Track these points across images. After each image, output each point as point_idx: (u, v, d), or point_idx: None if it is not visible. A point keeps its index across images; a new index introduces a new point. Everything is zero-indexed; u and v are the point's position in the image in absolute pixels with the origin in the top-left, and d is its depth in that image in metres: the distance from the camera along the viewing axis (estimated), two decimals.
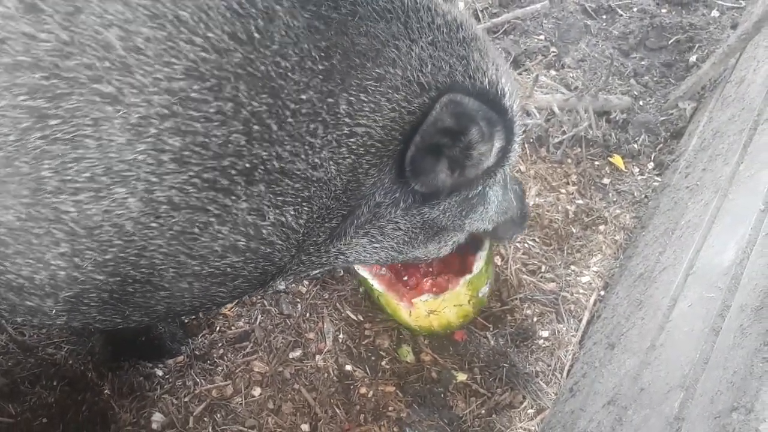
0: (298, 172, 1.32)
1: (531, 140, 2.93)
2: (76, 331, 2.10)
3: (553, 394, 2.15)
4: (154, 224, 1.24)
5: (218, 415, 2.02)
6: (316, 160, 1.34)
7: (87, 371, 2.04)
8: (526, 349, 2.29)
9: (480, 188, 1.68)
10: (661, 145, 3.00)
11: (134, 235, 1.24)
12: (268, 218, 1.34)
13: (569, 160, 2.94)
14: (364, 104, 1.34)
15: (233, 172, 1.25)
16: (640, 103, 3.12)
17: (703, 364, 1.52)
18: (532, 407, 2.13)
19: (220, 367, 2.13)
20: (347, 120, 1.33)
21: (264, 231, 1.35)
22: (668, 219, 2.40)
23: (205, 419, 2.01)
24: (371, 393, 2.13)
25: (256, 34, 1.20)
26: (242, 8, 1.20)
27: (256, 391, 2.09)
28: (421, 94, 1.38)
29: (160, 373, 2.10)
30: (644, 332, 1.87)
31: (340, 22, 1.29)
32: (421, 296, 2.15)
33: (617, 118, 3.03)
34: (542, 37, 3.40)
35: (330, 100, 1.30)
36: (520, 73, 3.16)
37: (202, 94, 1.18)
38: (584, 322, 2.36)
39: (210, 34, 1.17)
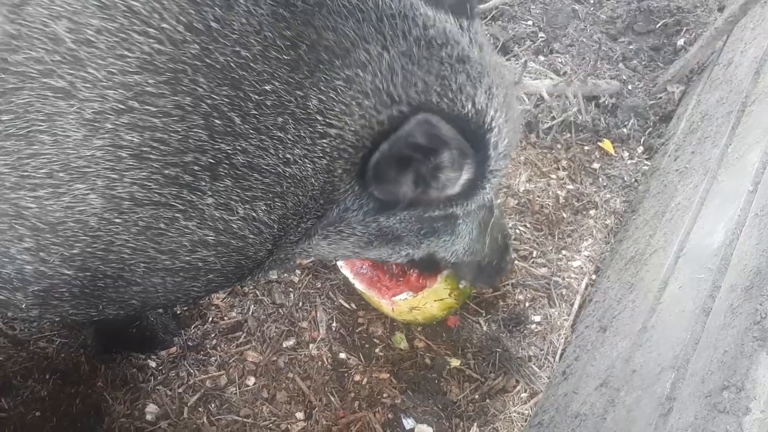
0: (268, 167, 1.28)
1: (521, 126, 2.93)
2: (67, 323, 2.09)
3: (546, 378, 2.16)
4: (118, 220, 1.22)
5: (212, 405, 2.02)
6: (288, 156, 1.29)
7: (80, 364, 2.03)
8: (518, 333, 2.30)
9: (442, 212, 1.60)
10: (650, 128, 3.01)
11: (99, 230, 1.23)
12: (238, 213, 1.31)
13: (559, 146, 2.94)
14: (335, 104, 1.28)
15: (196, 167, 1.22)
16: (629, 87, 3.12)
17: (694, 345, 1.53)
18: (525, 391, 2.14)
19: (213, 358, 2.13)
20: (319, 117, 1.28)
21: (234, 225, 1.33)
22: (658, 202, 2.41)
23: (200, 409, 2.01)
24: (365, 380, 2.13)
25: (213, 24, 1.15)
26: None
27: (250, 381, 2.09)
28: (391, 106, 1.31)
29: (153, 364, 2.09)
30: (635, 315, 1.89)
31: (305, 11, 1.23)
32: (401, 295, 2.13)
33: (606, 102, 3.03)
34: (530, 22, 3.39)
35: (299, 92, 1.25)
36: (508, 59, 3.16)
37: (159, 87, 1.14)
38: (576, 306, 2.37)
39: (164, 25, 1.12)
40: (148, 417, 1.97)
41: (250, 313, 2.25)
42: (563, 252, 2.57)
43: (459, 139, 1.32)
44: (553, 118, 2.95)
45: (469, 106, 1.37)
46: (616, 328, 1.94)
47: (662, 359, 1.59)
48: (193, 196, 1.24)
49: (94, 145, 1.15)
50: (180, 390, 2.04)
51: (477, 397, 2.13)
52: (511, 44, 3.24)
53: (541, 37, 3.31)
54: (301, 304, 2.29)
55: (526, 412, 2.08)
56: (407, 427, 2.04)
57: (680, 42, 3.29)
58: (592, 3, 3.54)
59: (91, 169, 1.17)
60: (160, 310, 2.20)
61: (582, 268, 2.52)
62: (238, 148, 1.23)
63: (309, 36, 1.23)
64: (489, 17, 3.35)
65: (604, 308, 2.14)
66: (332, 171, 1.36)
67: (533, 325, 2.34)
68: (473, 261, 1.89)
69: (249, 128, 1.23)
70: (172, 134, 1.17)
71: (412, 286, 2.16)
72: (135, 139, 1.15)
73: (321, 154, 1.32)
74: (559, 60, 3.17)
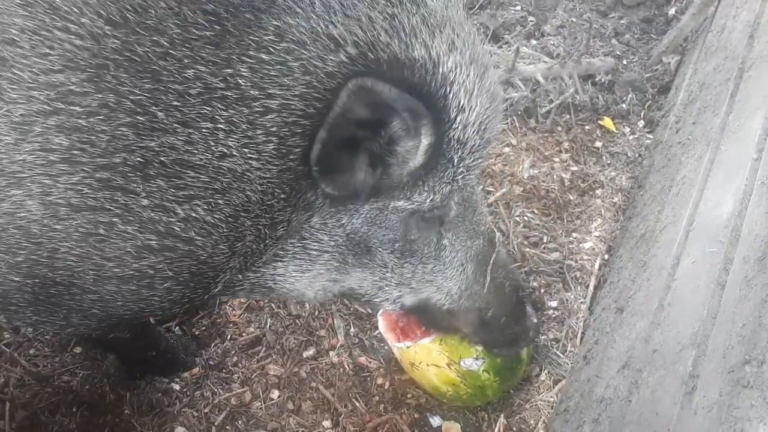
0: (200, 163, 1.20)
1: (519, 112, 2.92)
2: (88, 355, 2.11)
3: (568, 363, 2.16)
4: (58, 226, 1.21)
5: (239, 422, 2.04)
6: (223, 149, 1.19)
7: (105, 394, 2.05)
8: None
9: (409, 203, 1.41)
10: (649, 102, 3.00)
11: (41, 237, 1.22)
12: (177, 214, 1.24)
13: (559, 128, 2.93)
14: (269, 68, 1.15)
15: (126, 169, 1.17)
16: (624, 62, 3.11)
17: (712, 320, 1.52)
18: (549, 378, 2.14)
19: (236, 375, 2.14)
20: (254, 93, 1.16)
21: (176, 228, 1.26)
22: (663, 177, 2.40)
23: (227, 427, 2.02)
24: (388, 383, 2.14)
25: (130, 15, 1.11)
26: None
27: (275, 394, 2.10)
28: (336, 51, 1.16)
29: (177, 387, 2.11)
30: (651, 293, 1.88)
31: None
32: (402, 342, 1.97)
33: (602, 80, 3.02)
34: (519, 7, 3.38)
35: (227, 70, 1.14)
36: (500, 47, 3.14)
37: (83, 86, 1.11)
38: (591, 287, 2.37)
39: (84, 20, 1.09)
40: None
41: (268, 326, 2.26)
42: (574, 234, 2.57)
43: (405, 98, 1.17)
44: (551, 101, 2.93)
45: (422, 53, 1.21)
46: (633, 308, 1.94)
47: (681, 337, 1.59)
48: (128, 199, 1.20)
49: (25, 149, 1.13)
50: (206, 410, 2.05)
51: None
52: (502, 31, 3.23)
53: (531, 21, 3.30)
54: (317, 312, 2.30)
55: (552, 399, 2.08)
56: (434, 425, 2.05)
57: (671, 11, 3.27)
58: None
59: (26, 174, 1.15)
60: (178, 332, 2.22)
61: (594, 248, 2.51)
62: (166, 144, 1.17)
63: (231, 1, 1.14)
64: (477, 6, 3.34)
65: (620, 288, 2.14)
66: (287, 154, 1.24)
67: (550, 311, 2.33)
68: (474, 310, 1.70)
69: (174, 122, 1.16)
70: (100, 135, 1.14)
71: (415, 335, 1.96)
72: (64, 142, 1.13)
73: (264, 137, 1.21)
74: (551, 42, 3.16)
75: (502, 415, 2.06)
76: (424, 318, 1.84)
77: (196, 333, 2.25)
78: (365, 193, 1.37)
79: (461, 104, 1.28)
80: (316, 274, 1.52)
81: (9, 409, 1.97)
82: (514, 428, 2.05)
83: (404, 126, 1.22)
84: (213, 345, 2.21)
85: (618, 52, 3.13)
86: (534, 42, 3.20)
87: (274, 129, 1.20)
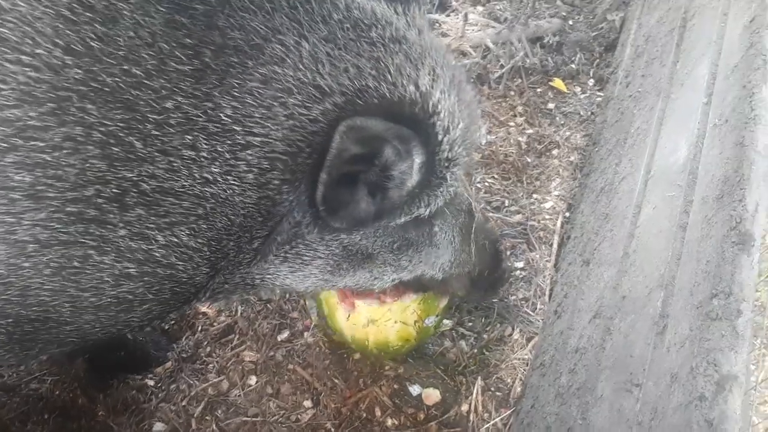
0: (183, 190, 1.20)
1: (471, 79, 2.93)
2: (54, 360, 2.05)
3: (539, 321, 2.20)
4: (26, 264, 1.16)
5: (219, 411, 2.01)
6: (206, 175, 1.20)
7: (76, 397, 2.00)
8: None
9: (409, 216, 1.48)
10: (598, 60, 3.04)
11: (9, 277, 1.17)
12: (158, 241, 1.23)
13: (512, 93, 2.95)
14: (253, 109, 1.18)
15: (100, 200, 1.15)
16: (570, 22, 3.14)
17: (677, 261, 1.56)
18: (522, 337, 2.17)
19: (210, 365, 2.11)
20: (236, 128, 1.19)
21: (156, 254, 1.25)
22: (618, 130, 2.44)
23: (207, 418, 1.99)
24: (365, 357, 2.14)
25: (94, 43, 1.09)
26: (74, 14, 1.08)
27: (252, 380, 2.08)
28: (322, 100, 1.21)
29: (151, 383, 2.07)
30: (615, 243, 1.92)
31: (206, 14, 1.15)
32: (367, 300, 1.98)
33: (550, 41, 3.05)
34: None
35: (208, 104, 1.16)
36: (448, 15, 3.14)
37: (43, 120, 1.07)
38: (555, 245, 2.40)
39: (39, 51, 1.06)
40: None
41: (239, 314, 2.23)
42: (534, 196, 2.60)
43: (393, 127, 1.22)
44: (502, 66, 2.95)
45: (412, 88, 1.27)
46: (599, 259, 1.97)
47: (649, 281, 1.63)
48: (104, 230, 1.18)
49: None
50: (183, 403, 2.02)
51: (476, 351, 2.16)
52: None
53: None
54: (287, 295, 2.27)
55: (526, 356, 2.12)
56: (414, 394, 2.06)
57: None
58: None
59: None
60: (147, 329, 2.17)
61: (555, 207, 2.55)
62: (145, 173, 1.16)
63: (213, 40, 1.15)
64: None
65: (584, 242, 2.17)
66: (265, 184, 1.26)
67: (517, 272, 2.36)
68: (463, 274, 1.77)
69: (154, 151, 1.15)
70: (67, 168, 1.11)
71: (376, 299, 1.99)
72: (27, 179, 1.09)
73: (246, 168, 1.22)
74: (498, 7, 3.17)
75: (479, 378, 2.08)
76: (420, 287, 1.88)
77: (166, 327, 2.20)
78: (370, 220, 1.41)
79: (446, 126, 1.33)
80: (308, 274, 1.53)
81: None
82: (492, 388, 2.08)
83: (396, 152, 1.26)
84: (184, 338, 2.17)
85: (563, 13, 3.16)
86: (480, 8, 3.21)
87: (254, 161, 1.22)
